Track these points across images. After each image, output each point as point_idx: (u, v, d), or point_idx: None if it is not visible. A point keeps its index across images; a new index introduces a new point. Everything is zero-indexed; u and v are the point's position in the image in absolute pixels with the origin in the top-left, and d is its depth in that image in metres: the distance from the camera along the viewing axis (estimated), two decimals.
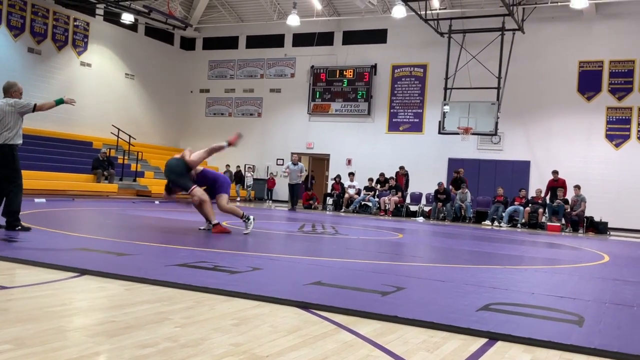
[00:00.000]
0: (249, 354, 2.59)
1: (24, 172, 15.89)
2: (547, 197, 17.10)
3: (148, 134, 23.80)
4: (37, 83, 19.48)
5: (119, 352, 2.49)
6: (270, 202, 22.56)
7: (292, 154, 20.88)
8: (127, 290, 3.83)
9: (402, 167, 19.57)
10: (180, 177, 7.78)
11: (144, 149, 21.46)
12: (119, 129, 20.49)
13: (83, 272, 4.31)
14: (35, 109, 6.69)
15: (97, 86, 21.70)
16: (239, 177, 22.09)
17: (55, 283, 3.92)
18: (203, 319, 3.18)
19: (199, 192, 7.75)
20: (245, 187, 22.53)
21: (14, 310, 3.09)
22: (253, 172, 23.47)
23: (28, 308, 3.17)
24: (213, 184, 8.12)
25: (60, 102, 6.86)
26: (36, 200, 13.05)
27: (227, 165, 22.20)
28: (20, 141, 6.69)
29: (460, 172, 18.63)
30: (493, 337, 3.13)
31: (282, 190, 22.91)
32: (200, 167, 8.13)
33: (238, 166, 22.43)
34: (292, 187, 18.01)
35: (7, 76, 18.24)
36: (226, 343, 2.73)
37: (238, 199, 21.11)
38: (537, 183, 18.62)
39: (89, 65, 21.44)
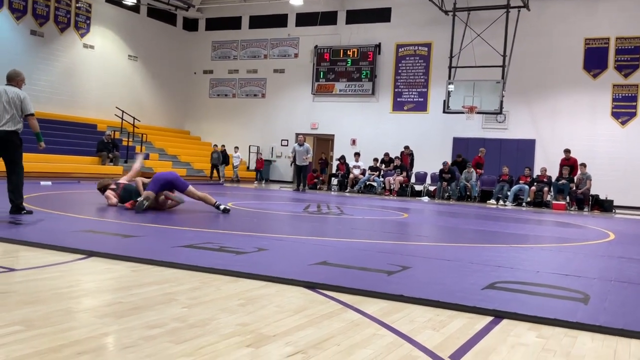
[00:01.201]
0: (256, 333, 2.61)
1: (29, 155, 15.95)
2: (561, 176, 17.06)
3: (152, 115, 23.78)
4: (40, 66, 19.45)
5: (127, 332, 2.52)
6: (263, 182, 22.41)
7: (297, 134, 20.86)
8: (134, 271, 3.86)
9: (406, 147, 19.51)
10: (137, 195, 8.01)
11: (149, 131, 21.46)
12: (123, 111, 20.46)
13: (90, 254, 4.34)
14: (30, 116, 6.84)
15: (100, 68, 21.64)
16: (225, 157, 21.53)
17: (63, 265, 3.95)
18: (210, 299, 3.20)
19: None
20: (233, 168, 22.00)
21: (22, 292, 3.12)
22: (251, 151, 23.27)
23: (36, 290, 3.20)
24: (173, 183, 8.10)
25: (39, 138, 7.14)
26: (42, 183, 13.10)
27: (215, 145, 21.70)
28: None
29: (482, 152, 18.46)
30: (499, 315, 3.15)
31: (283, 170, 22.94)
32: (141, 180, 8.27)
33: (223, 145, 21.83)
34: (299, 169, 17.99)
35: (10, 60, 18.26)
36: (233, 323, 2.75)
37: (222, 180, 20.94)
38: (543, 162, 18.56)
39: (91, 47, 21.36)
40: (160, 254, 4.40)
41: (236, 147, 22.25)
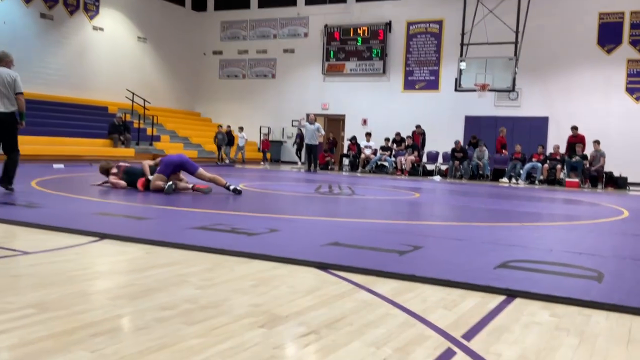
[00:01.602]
0: (269, 314, 2.62)
1: (42, 139, 15.99)
2: (568, 154, 16.90)
3: (162, 97, 23.78)
4: (50, 49, 19.47)
5: (141, 314, 2.53)
6: (268, 163, 22.26)
7: (308, 114, 20.78)
8: (146, 253, 3.88)
9: (418, 126, 19.40)
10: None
11: (159, 113, 21.48)
12: (133, 93, 20.49)
13: (103, 236, 4.37)
14: (20, 94, 7.16)
15: (110, 50, 21.63)
16: (230, 138, 21.33)
17: (76, 248, 3.98)
18: (222, 280, 3.21)
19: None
20: (238, 148, 21.65)
21: (36, 275, 3.15)
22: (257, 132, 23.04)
23: (50, 273, 3.22)
24: (183, 166, 8.13)
25: (24, 116, 7.36)
26: (55, 166, 13.19)
27: (220, 126, 21.55)
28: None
29: (502, 131, 18.24)
30: (511, 294, 3.14)
31: (294, 151, 22.91)
32: (154, 161, 8.39)
33: (229, 126, 21.70)
34: (310, 148, 17.94)
35: (21, 43, 18.31)
36: (246, 304, 2.76)
37: (227, 160, 20.90)
38: (556, 139, 18.38)
39: (101, 29, 21.33)
40: (173, 235, 4.42)
41: (240, 127, 21.93)
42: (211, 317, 2.52)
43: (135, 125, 19.46)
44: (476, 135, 18.79)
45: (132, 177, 8.17)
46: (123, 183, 8.18)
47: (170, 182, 7.77)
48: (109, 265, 3.60)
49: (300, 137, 22.82)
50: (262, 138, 23.15)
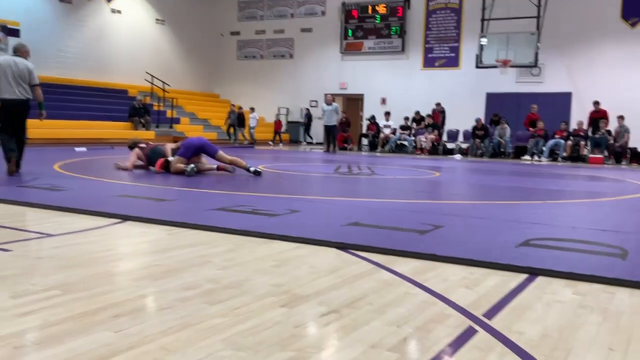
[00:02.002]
0: (290, 294, 2.63)
1: (64, 122, 16.19)
2: (590, 130, 16.62)
3: (181, 80, 23.83)
4: (69, 32, 19.57)
5: (164, 294, 2.56)
6: (280, 144, 21.83)
7: (326, 94, 20.67)
8: (168, 234, 3.92)
9: (438, 104, 19.20)
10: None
11: (178, 95, 21.55)
12: (152, 76, 20.55)
13: (125, 218, 4.41)
14: (37, 86, 7.48)
15: (128, 33, 21.68)
16: (240, 120, 20.76)
17: (99, 229, 4.03)
18: (244, 261, 3.23)
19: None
20: (250, 129, 21.21)
21: (60, 257, 3.20)
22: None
23: (74, 254, 3.27)
24: (203, 148, 8.16)
25: (42, 106, 7.73)
26: (77, 149, 13.34)
27: (233, 105, 21.26)
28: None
29: (534, 108, 17.85)
30: (533, 273, 3.11)
31: (312, 132, 22.84)
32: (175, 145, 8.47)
33: (240, 107, 21.32)
34: (328, 129, 17.89)
35: (41, 27, 18.44)
36: (267, 284, 2.78)
37: (245, 141, 20.69)
38: (579, 115, 18.07)
39: (119, 12, 21.37)
40: (194, 217, 4.45)
41: (252, 108, 21.64)
42: (233, 297, 2.54)
43: (155, 108, 19.56)
44: (498, 112, 18.53)
45: (156, 155, 8.30)
46: (132, 162, 8.30)
47: (192, 165, 7.82)
48: (132, 247, 3.65)
49: (308, 117, 22.63)
50: (276, 118, 22.91)
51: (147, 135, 17.51)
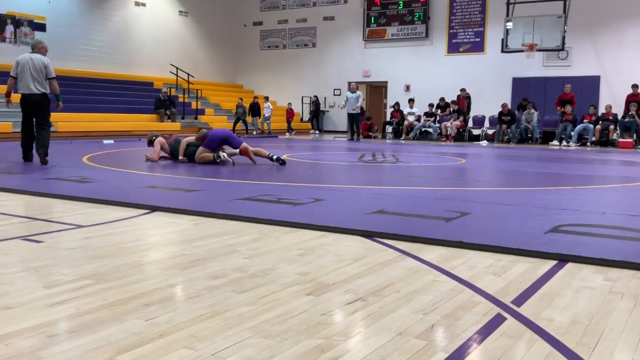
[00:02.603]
0: (316, 282, 2.64)
1: (91, 115, 16.49)
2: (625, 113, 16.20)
3: (205, 71, 23.94)
4: (94, 26, 19.78)
5: (192, 283, 2.60)
6: (288, 133, 21.34)
7: (349, 83, 20.58)
8: (195, 224, 3.96)
9: (463, 90, 18.95)
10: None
11: (203, 87, 21.66)
12: (177, 68, 20.69)
13: (154, 208, 4.47)
14: (52, 79, 7.95)
15: (152, 26, 21.83)
16: (255, 109, 20.09)
17: (128, 220, 4.09)
18: (269, 250, 3.25)
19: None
20: (265, 119, 20.52)
21: (91, 248, 3.26)
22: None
23: (104, 245, 3.33)
24: (227, 140, 8.22)
25: (59, 98, 8.18)
26: (105, 141, 13.53)
27: (240, 99, 20.34)
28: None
29: (567, 86, 17.37)
30: (563, 259, 3.07)
31: (336, 120, 22.77)
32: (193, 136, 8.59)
33: (255, 96, 20.93)
34: (352, 117, 17.82)
35: (65, 21, 18.67)
36: (293, 272, 2.79)
37: (254, 132, 20.12)
38: (608, 99, 17.70)
39: (143, 5, 21.52)
40: (221, 207, 4.49)
41: (266, 97, 21.21)
42: (260, 286, 2.57)
43: (180, 100, 19.70)
44: (527, 97, 18.15)
45: (179, 146, 8.42)
46: (157, 153, 8.41)
47: (224, 153, 7.94)
48: (160, 237, 3.70)
49: (316, 104, 22.34)
50: (288, 108, 22.28)
51: (173, 126, 17.68)
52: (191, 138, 8.48)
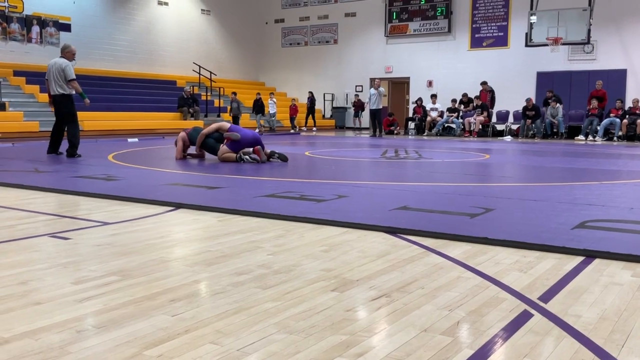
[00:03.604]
0: (340, 278, 2.64)
1: (116, 114, 16.80)
2: None
3: (228, 69, 24.07)
4: (118, 26, 20.01)
5: (217, 279, 2.62)
6: (298, 129, 21.16)
7: (372, 79, 20.49)
8: (220, 221, 3.99)
9: (484, 83, 18.67)
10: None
11: (225, 84, 21.78)
12: (200, 66, 20.83)
13: (178, 205, 4.52)
14: (72, 81, 8.48)
15: (175, 24, 22.01)
16: (259, 107, 19.79)
17: (153, 217, 4.14)
18: (293, 246, 3.26)
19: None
20: (270, 116, 20.07)
21: (118, 244, 3.30)
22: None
23: (130, 241, 3.37)
24: (255, 144, 8.17)
25: (83, 95, 8.70)
26: (129, 140, 13.68)
27: (233, 94, 19.84)
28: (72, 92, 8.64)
29: (599, 82, 17.04)
30: (590, 255, 3.03)
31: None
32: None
33: (258, 93, 20.42)
34: (374, 113, 17.78)
35: (90, 21, 18.92)
36: (317, 269, 2.80)
37: (257, 130, 19.13)
38: (635, 92, 17.38)
39: (165, 4, 21.70)
40: (244, 203, 4.52)
41: (271, 93, 20.70)
42: (284, 282, 2.57)
43: (203, 98, 19.83)
44: (552, 89, 17.82)
45: (197, 134, 8.56)
46: (180, 149, 8.50)
47: (250, 154, 7.93)
48: (185, 233, 3.73)
49: (311, 101, 21.83)
50: (291, 104, 21.64)
51: (196, 124, 17.78)
52: (211, 129, 8.46)
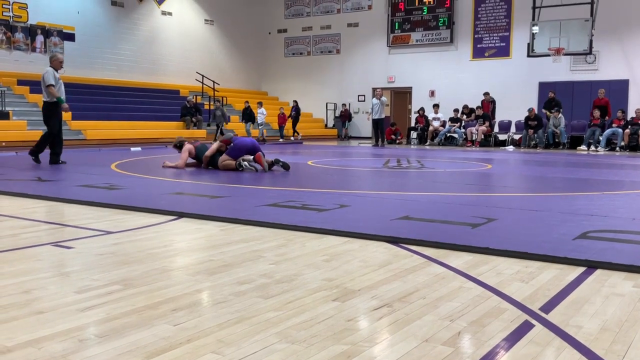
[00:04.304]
0: (342, 288, 2.65)
1: (119, 123, 16.88)
2: None
3: (231, 78, 24.16)
4: (122, 35, 20.12)
5: (219, 288, 2.62)
6: (281, 139, 20.67)
7: (374, 89, 20.54)
8: (222, 230, 3.99)
9: (486, 93, 18.73)
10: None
11: (228, 94, 21.86)
12: (203, 76, 20.92)
13: (180, 215, 4.53)
14: (48, 86, 8.64)
15: (179, 34, 22.12)
16: (248, 115, 19.28)
17: (156, 226, 4.15)
18: (295, 255, 3.27)
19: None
20: (259, 125, 19.52)
21: (120, 253, 3.31)
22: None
23: (133, 250, 3.38)
24: (252, 151, 8.21)
25: (61, 101, 8.77)
26: (132, 149, 13.72)
27: (218, 101, 19.36)
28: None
29: (601, 91, 17.06)
30: (592, 266, 3.03)
31: (360, 126, 22.75)
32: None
33: (247, 101, 19.76)
34: (376, 123, 17.83)
35: (94, 31, 19.03)
36: (319, 278, 2.80)
37: (260, 138, 19.12)
38: (637, 102, 17.39)
39: (169, 14, 21.83)
40: (246, 213, 4.53)
41: (259, 102, 20.04)
42: (286, 291, 2.58)
43: (206, 107, 19.88)
44: (554, 91, 17.72)
45: (203, 152, 8.54)
46: (184, 160, 8.52)
47: (246, 161, 7.96)
48: (187, 243, 3.74)
49: (296, 109, 21.31)
50: (279, 113, 21.07)
51: (198, 133, 17.85)
52: (215, 147, 8.45)
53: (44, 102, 8.79)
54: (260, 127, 19.63)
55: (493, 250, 3.32)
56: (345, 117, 22.36)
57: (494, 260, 3.18)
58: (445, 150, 15.60)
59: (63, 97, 8.91)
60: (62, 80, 9.04)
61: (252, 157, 8.13)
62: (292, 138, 20.82)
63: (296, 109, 21.55)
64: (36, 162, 8.92)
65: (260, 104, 19.98)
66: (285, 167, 8.17)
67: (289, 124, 21.25)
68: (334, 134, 23.34)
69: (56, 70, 8.85)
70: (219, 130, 17.85)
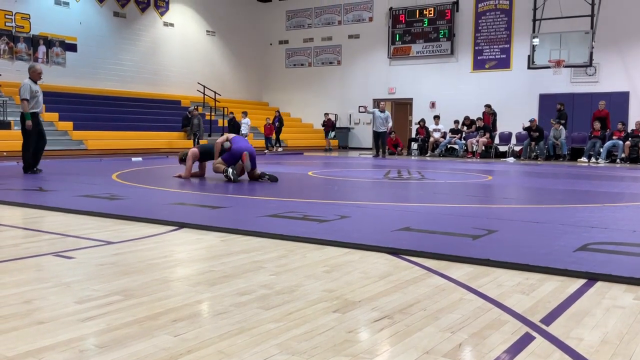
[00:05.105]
0: (342, 299, 2.65)
1: (120, 133, 16.90)
2: None
3: (232, 89, 24.25)
4: (124, 46, 20.22)
5: (220, 299, 2.62)
6: (271, 148, 20.18)
7: (375, 100, 20.62)
8: (222, 241, 4.00)
9: (488, 106, 18.80)
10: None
11: (229, 104, 21.92)
12: (204, 86, 20.99)
13: (181, 225, 4.53)
14: (22, 100, 8.69)
15: (180, 45, 22.23)
16: (233, 126, 18.83)
17: (157, 237, 4.15)
18: (296, 266, 3.27)
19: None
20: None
21: (120, 264, 3.31)
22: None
23: (133, 261, 3.38)
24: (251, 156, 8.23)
25: (27, 117, 8.71)
26: (133, 159, 13.74)
27: (194, 109, 18.76)
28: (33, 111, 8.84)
29: (602, 103, 17.04)
30: (592, 278, 3.03)
31: (361, 137, 22.80)
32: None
33: (232, 112, 19.56)
34: (378, 135, 17.92)
35: (96, 41, 19.13)
36: (319, 289, 2.80)
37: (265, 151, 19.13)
38: (638, 114, 17.42)
39: (171, 25, 21.95)
40: (247, 223, 4.53)
41: (244, 112, 19.59)
42: (286, 302, 2.58)
43: (207, 117, 19.93)
44: (563, 107, 17.66)
45: (206, 152, 8.63)
46: (189, 168, 8.50)
47: (232, 170, 7.89)
48: (188, 253, 3.74)
49: (279, 120, 20.58)
50: (266, 123, 20.50)
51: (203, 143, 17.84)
52: (217, 157, 8.42)
53: (21, 114, 8.85)
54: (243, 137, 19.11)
55: (494, 262, 3.32)
56: (329, 126, 21.90)
57: (494, 272, 3.18)
58: (446, 162, 15.62)
59: (40, 108, 8.97)
60: (42, 91, 9.10)
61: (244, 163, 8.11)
62: (266, 151, 19.50)
63: (279, 118, 20.76)
64: (37, 172, 8.95)
65: (245, 114, 19.51)
66: (272, 179, 8.12)
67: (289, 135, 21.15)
68: (335, 145, 23.37)
69: (35, 82, 8.84)
70: (196, 139, 17.40)
